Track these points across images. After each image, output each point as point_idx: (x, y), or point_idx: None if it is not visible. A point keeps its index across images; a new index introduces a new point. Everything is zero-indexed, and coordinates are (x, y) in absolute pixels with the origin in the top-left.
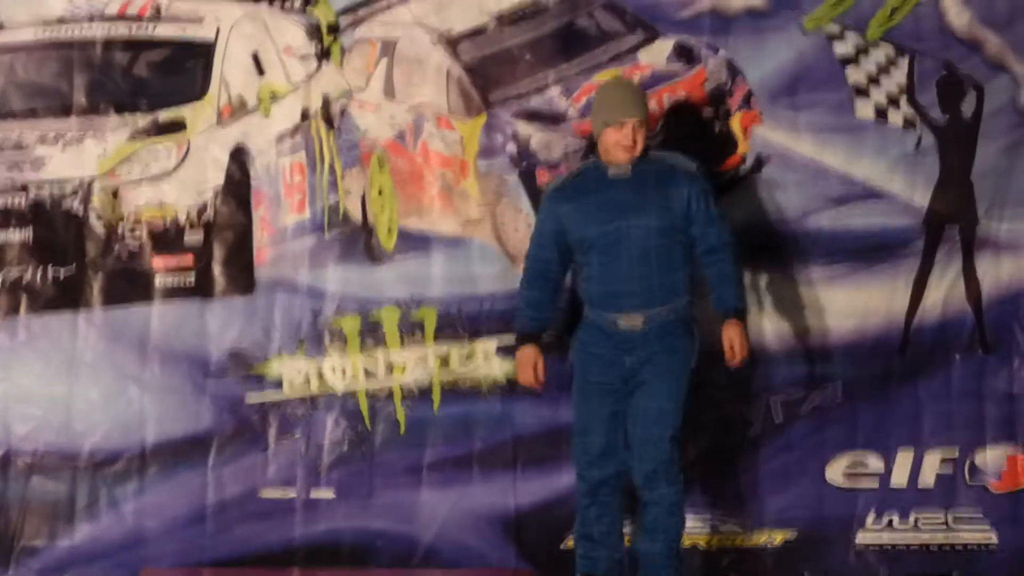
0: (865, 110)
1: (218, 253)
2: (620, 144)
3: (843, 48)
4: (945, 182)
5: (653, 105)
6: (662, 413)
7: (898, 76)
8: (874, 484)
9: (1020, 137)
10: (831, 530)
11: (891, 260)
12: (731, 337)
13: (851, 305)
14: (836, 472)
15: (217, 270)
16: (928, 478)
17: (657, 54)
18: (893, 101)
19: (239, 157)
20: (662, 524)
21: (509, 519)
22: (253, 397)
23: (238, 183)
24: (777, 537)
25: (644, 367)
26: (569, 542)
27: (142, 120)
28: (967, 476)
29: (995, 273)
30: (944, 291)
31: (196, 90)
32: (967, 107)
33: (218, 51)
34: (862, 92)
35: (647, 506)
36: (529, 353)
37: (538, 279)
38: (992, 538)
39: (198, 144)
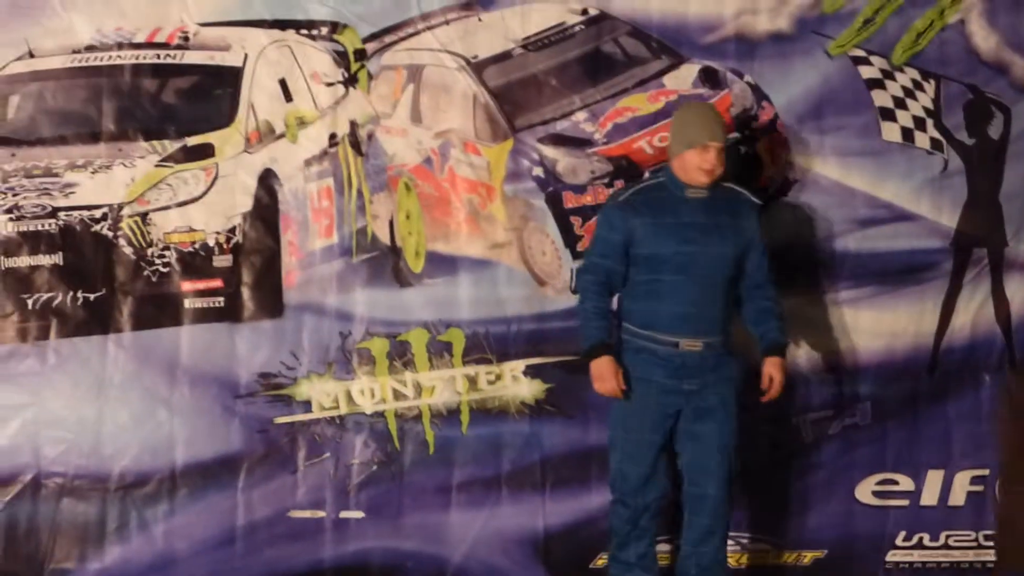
0: (891, 133)
1: (247, 277)
2: (702, 167)
3: (869, 72)
4: (973, 204)
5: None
6: (723, 453)
7: (924, 99)
8: (904, 503)
9: None
10: (861, 549)
11: (919, 281)
12: (772, 373)
13: (879, 326)
14: (866, 492)
15: (246, 294)
16: (959, 497)
17: (683, 79)
18: (920, 124)
19: (267, 182)
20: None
21: (538, 540)
22: (282, 419)
23: (266, 208)
24: (807, 556)
25: (702, 394)
26: (599, 561)
27: (171, 146)
28: (998, 495)
29: None
30: (973, 312)
31: (224, 116)
32: (994, 130)
33: (245, 77)
34: (888, 115)
35: (692, 556)
36: (607, 363)
37: (602, 289)
38: None
39: (226, 170)
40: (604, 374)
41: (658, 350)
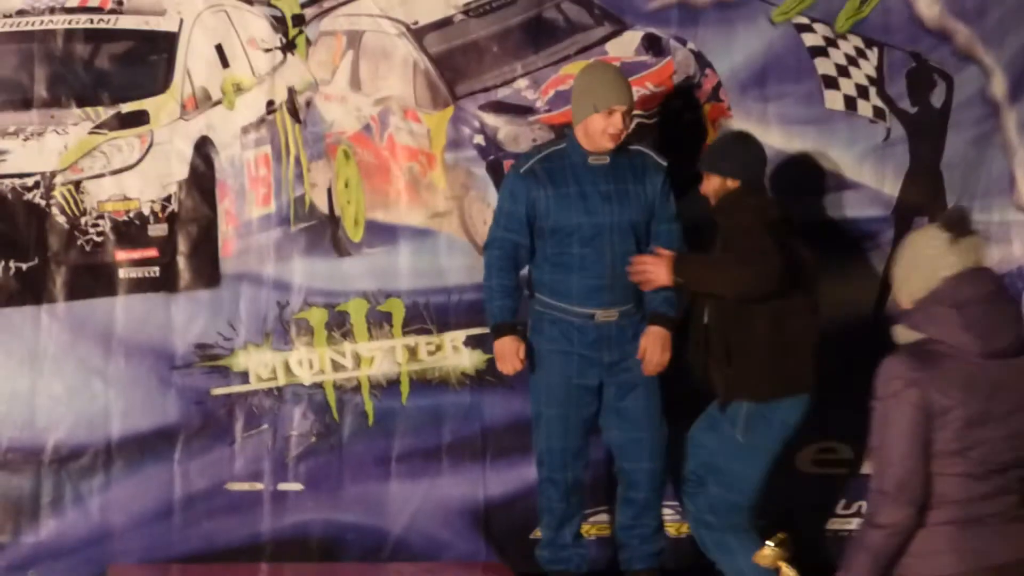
0: (834, 101)
1: (183, 246)
2: (607, 132)
3: (812, 39)
4: (915, 173)
5: None
6: (653, 426)
7: (867, 67)
8: (844, 471)
9: (989, 128)
10: (801, 518)
11: (861, 250)
12: (644, 344)
13: (820, 295)
14: (806, 461)
15: (182, 263)
16: None
17: (625, 46)
18: (863, 92)
19: (203, 150)
20: (649, 547)
21: (479, 511)
22: (219, 390)
23: (202, 176)
24: None
25: (624, 365)
26: (537, 532)
27: (104, 113)
28: None
29: None
30: None
31: (159, 83)
32: (937, 98)
33: (181, 43)
34: (831, 83)
35: (633, 528)
36: (509, 343)
37: (507, 264)
38: None
39: (161, 137)
40: (506, 353)
41: (574, 322)
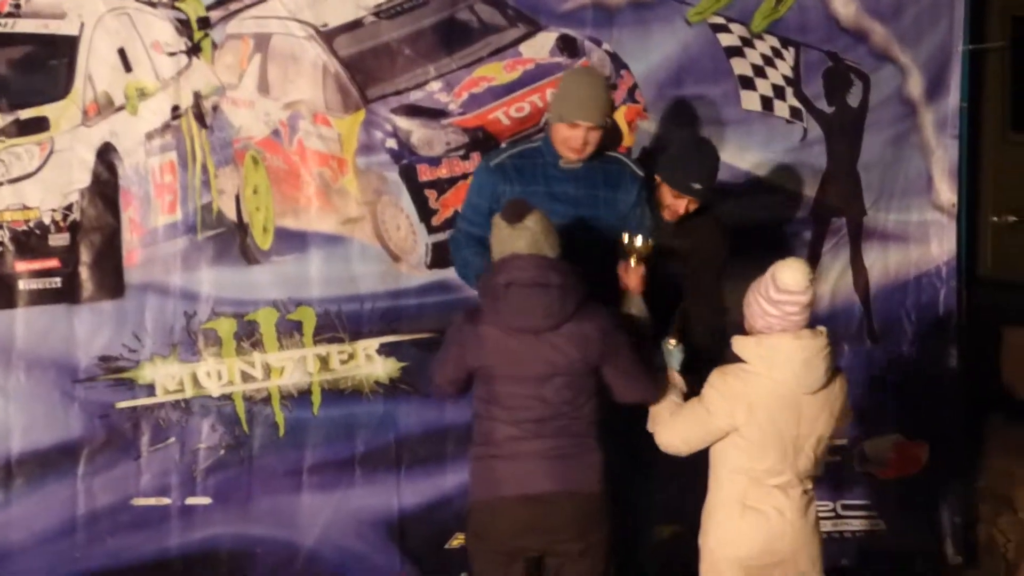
0: (751, 102)
1: (85, 256)
2: (568, 144)
3: (728, 39)
4: (832, 173)
5: (537, 101)
6: None
7: (784, 67)
8: None
9: (906, 127)
10: None
11: (779, 252)
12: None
13: (739, 296)
14: None
15: (84, 274)
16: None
17: (540, 48)
18: (779, 92)
19: (106, 157)
20: None
21: (393, 521)
22: (124, 403)
23: (105, 183)
24: (666, 530)
25: None
26: (454, 542)
27: (2, 120)
28: (856, 464)
29: (882, 264)
30: (832, 282)
31: (59, 88)
32: (853, 98)
33: (82, 47)
34: (748, 84)
35: None
36: None
37: (473, 241)
38: (880, 525)
39: (62, 144)
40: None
41: None
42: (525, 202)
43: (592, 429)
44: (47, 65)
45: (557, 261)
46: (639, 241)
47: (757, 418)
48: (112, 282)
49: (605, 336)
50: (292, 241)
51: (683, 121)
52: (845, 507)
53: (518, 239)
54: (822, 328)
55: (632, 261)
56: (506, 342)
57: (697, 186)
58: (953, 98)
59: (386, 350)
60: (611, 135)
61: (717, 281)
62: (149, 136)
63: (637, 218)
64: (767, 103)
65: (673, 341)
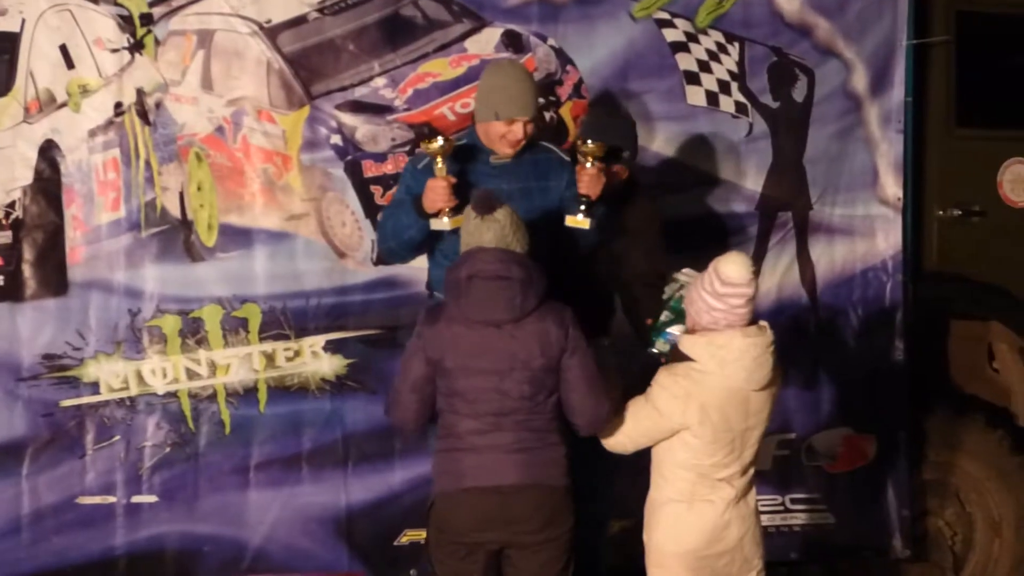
0: (696, 97)
1: (28, 254)
2: (507, 139)
3: (673, 35)
4: (778, 168)
5: None
6: None
7: (729, 62)
8: None
9: (851, 122)
10: None
11: (726, 246)
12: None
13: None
14: None
15: (27, 271)
16: (765, 461)
17: (485, 43)
18: (724, 87)
19: (49, 154)
20: None
21: (340, 519)
22: (68, 402)
23: (48, 181)
24: (615, 525)
25: None
26: (403, 538)
27: None
28: (804, 458)
29: (828, 258)
30: (779, 277)
31: (0, 85)
32: (798, 93)
33: (23, 44)
34: (693, 79)
35: None
36: (435, 181)
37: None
38: (829, 519)
39: (4, 141)
40: (436, 187)
41: None
42: (494, 194)
43: (554, 424)
44: None
45: (521, 255)
46: (591, 143)
47: (710, 417)
48: (55, 279)
49: (566, 333)
50: (237, 238)
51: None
52: (794, 501)
53: (486, 231)
54: (765, 323)
55: (588, 163)
56: (467, 335)
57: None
58: (898, 92)
59: (332, 347)
60: (557, 130)
61: (654, 253)
62: (92, 133)
63: (573, 198)
64: (712, 98)
65: (649, 321)
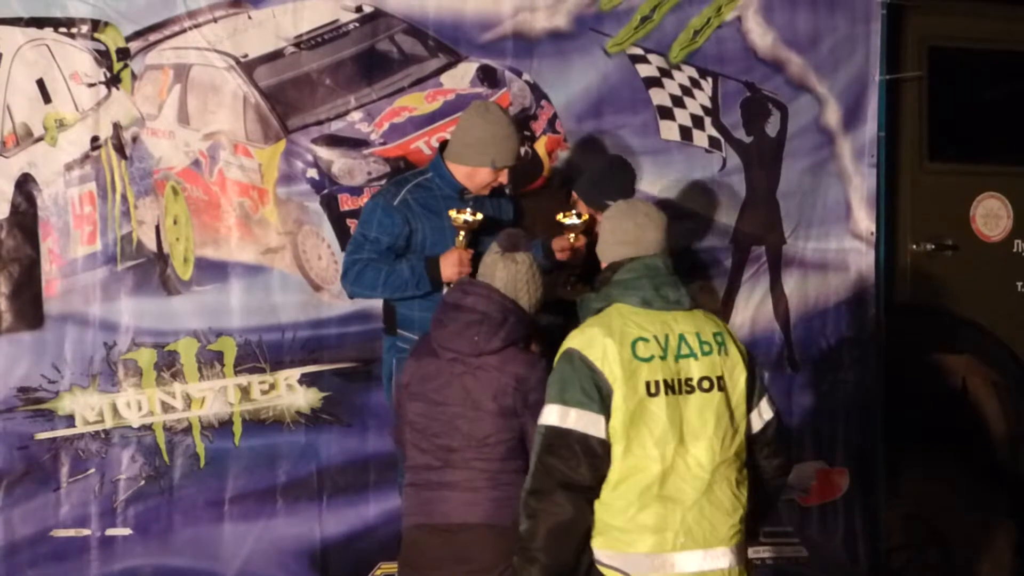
0: (670, 132)
1: (4, 287)
2: (492, 185)
3: (647, 70)
4: (751, 202)
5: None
6: None
7: (702, 97)
8: None
9: (824, 156)
10: None
11: (699, 280)
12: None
13: None
14: None
15: (3, 304)
16: None
17: (460, 78)
18: (698, 122)
19: (25, 187)
20: None
21: (315, 552)
22: (43, 434)
23: (24, 214)
24: None
25: None
26: (377, 571)
27: None
28: None
29: (802, 291)
30: (752, 310)
31: None
32: (771, 127)
33: (0, 78)
34: (667, 114)
35: None
36: (450, 253)
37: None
38: (802, 551)
39: None
40: (451, 259)
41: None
42: (523, 237)
43: (510, 465)
44: None
45: (510, 301)
46: (577, 219)
47: None
48: (31, 313)
49: (524, 395)
50: (212, 271)
51: (599, 148)
52: (767, 534)
53: (501, 268)
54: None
55: (571, 238)
56: (433, 363)
57: (610, 203)
58: (870, 127)
59: (307, 380)
60: (532, 165)
61: None
62: (68, 167)
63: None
64: (686, 133)
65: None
